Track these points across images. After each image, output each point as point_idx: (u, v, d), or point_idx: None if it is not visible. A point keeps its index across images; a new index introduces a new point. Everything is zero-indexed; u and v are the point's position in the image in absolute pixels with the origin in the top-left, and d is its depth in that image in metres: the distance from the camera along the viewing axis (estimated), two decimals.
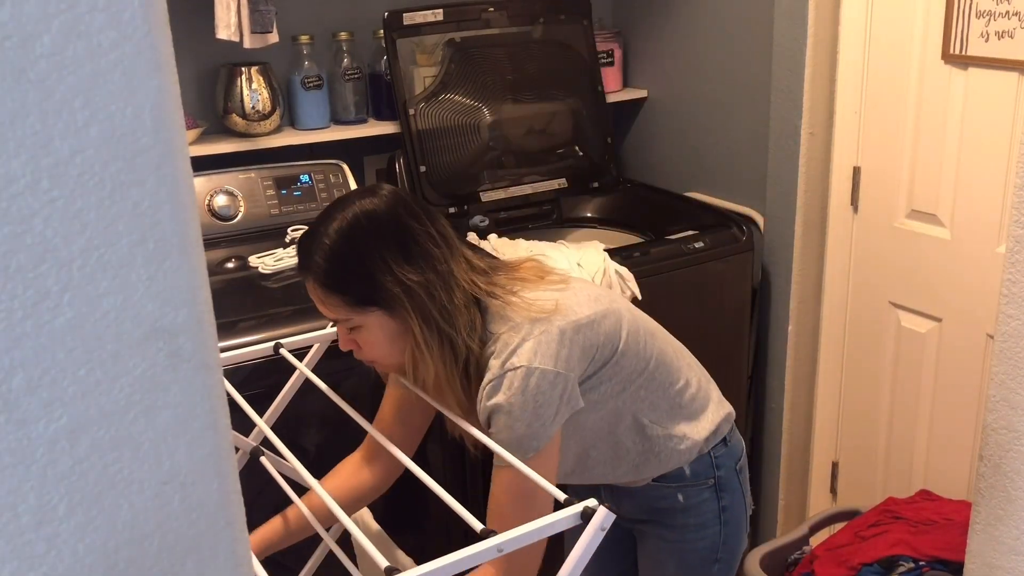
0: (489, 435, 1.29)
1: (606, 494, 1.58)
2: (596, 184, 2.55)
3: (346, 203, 1.29)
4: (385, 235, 1.27)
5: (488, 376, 1.29)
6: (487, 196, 2.42)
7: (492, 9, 2.38)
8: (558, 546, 1.23)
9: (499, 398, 1.27)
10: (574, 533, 1.07)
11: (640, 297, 2.02)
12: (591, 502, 1.08)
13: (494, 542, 1.02)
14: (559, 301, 1.33)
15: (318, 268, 1.27)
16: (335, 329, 1.65)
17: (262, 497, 1.64)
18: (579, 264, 2.08)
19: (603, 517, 1.05)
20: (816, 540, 2.20)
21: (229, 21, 2.03)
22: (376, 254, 1.26)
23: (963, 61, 1.95)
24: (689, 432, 1.46)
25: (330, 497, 1.16)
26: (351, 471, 1.56)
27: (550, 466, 1.31)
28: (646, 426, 1.43)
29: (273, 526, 1.52)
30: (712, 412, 1.50)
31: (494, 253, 2.18)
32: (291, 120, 2.35)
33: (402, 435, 1.49)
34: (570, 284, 1.40)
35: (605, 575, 1.67)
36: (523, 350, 1.28)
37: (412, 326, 1.28)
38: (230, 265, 2.10)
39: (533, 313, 1.31)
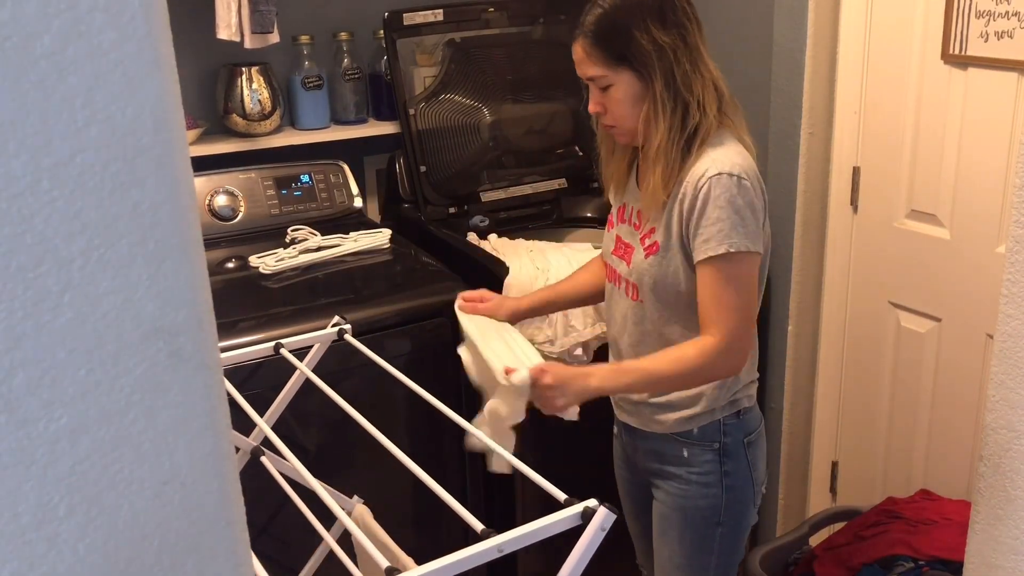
0: (696, 227, 1.45)
1: (626, 435, 1.71)
2: (596, 184, 2.55)
3: None
4: (649, 2, 1.46)
5: (709, 162, 1.45)
6: (487, 196, 2.41)
7: (492, 9, 2.38)
8: (559, 544, 1.23)
9: (720, 180, 1.42)
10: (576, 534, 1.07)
11: None
12: (591, 502, 1.08)
13: (494, 542, 1.02)
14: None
15: (588, 25, 1.48)
16: (335, 329, 1.65)
17: (262, 497, 1.65)
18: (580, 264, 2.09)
19: (603, 517, 1.05)
20: (816, 540, 2.20)
21: (230, 21, 2.03)
22: (638, 16, 1.45)
23: (963, 61, 1.95)
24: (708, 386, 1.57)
25: (328, 496, 1.16)
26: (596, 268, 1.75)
27: (752, 281, 1.46)
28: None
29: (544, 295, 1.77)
30: (742, 375, 1.59)
31: (494, 253, 2.18)
32: (291, 120, 2.35)
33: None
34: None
35: (635, 522, 1.82)
36: (739, 165, 1.44)
37: (655, 84, 1.45)
38: (230, 265, 2.10)
39: (746, 155, 1.48)
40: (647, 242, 1.53)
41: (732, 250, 1.42)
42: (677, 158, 1.46)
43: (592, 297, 1.77)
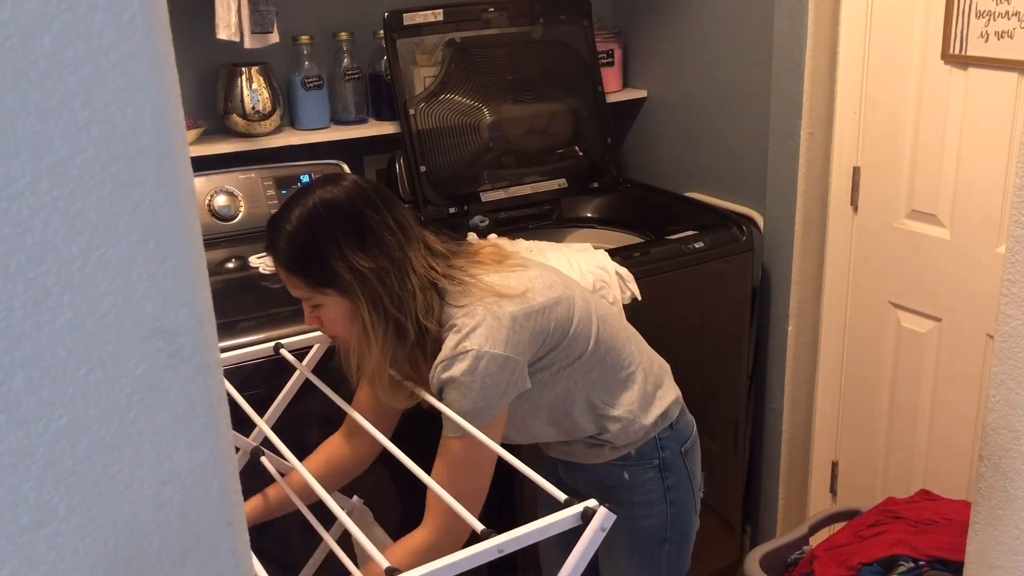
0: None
1: (563, 469, 1.65)
2: (596, 184, 2.55)
3: (309, 191, 1.38)
4: (342, 223, 1.35)
5: (441, 355, 1.36)
6: (487, 196, 2.41)
7: (492, 9, 2.38)
8: (559, 546, 1.23)
9: (450, 373, 1.34)
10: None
11: (640, 298, 2.02)
12: (591, 502, 1.08)
13: (494, 542, 1.02)
14: (513, 287, 1.40)
15: (280, 251, 1.38)
16: None
17: None
18: (580, 265, 2.08)
19: (603, 517, 1.05)
20: (816, 540, 2.20)
21: (229, 21, 2.03)
22: (332, 240, 1.35)
23: (963, 61, 1.95)
24: (639, 414, 1.53)
25: (328, 496, 1.16)
26: (334, 448, 1.61)
27: (491, 452, 1.36)
28: (597, 407, 1.51)
29: (253, 504, 1.56)
30: (661, 397, 1.57)
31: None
32: (291, 120, 2.35)
33: (378, 415, 1.54)
34: (528, 269, 1.46)
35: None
36: (476, 334, 1.34)
37: (361, 309, 1.36)
38: (230, 265, 2.10)
39: (488, 298, 1.38)
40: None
41: (461, 435, 1.35)
42: (422, 358, 1.40)
43: (339, 479, 1.60)
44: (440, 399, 1.37)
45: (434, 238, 1.45)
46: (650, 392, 1.56)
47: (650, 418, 1.55)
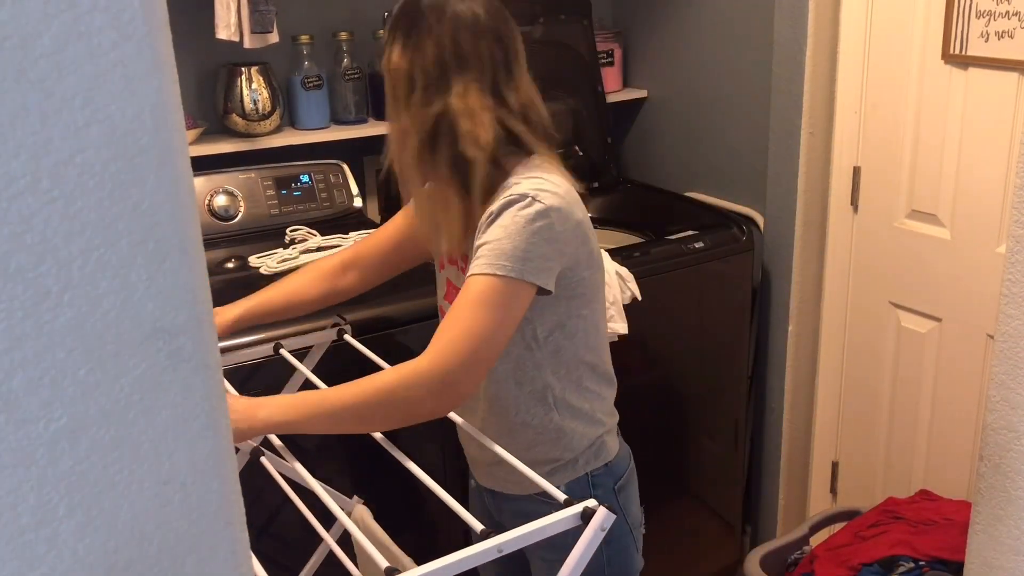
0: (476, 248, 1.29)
1: (489, 499, 1.55)
2: (596, 184, 2.55)
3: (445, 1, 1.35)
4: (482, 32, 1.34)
5: (508, 192, 1.29)
6: None
7: None
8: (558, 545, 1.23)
9: (509, 210, 1.27)
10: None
11: (640, 298, 2.02)
12: (591, 502, 1.08)
13: (494, 542, 1.02)
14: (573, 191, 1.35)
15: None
16: (335, 330, 1.65)
17: (262, 497, 1.65)
18: None
19: (603, 517, 1.05)
20: (816, 540, 2.20)
21: (229, 21, 2.03)
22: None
23: (963, 61, 1.95)
24: (580, 426, 1.42)
25: (328, 496, 1.16)
26: (328, 270, 1.58)
27: (511, 314, 1.26)
28: (546, 396, 1.40)
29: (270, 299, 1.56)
30: (604, 415, 1.47)
31: None
32: (291, 120, 2.35)
33: (380, 262, 1.55)
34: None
35: None
36: (545, 193, 1.28)
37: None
38: (230, 265, 2.10)
39: (557, 181, 1.32)
40: None
41: (499, 274, 1.24)
42: (493, 186, 1.36)
43: (305, 307, 1.58)
44: (481, 233, 1.29)
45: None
46: (598, 401, 1.45)
47: (588, 436, 1.44)
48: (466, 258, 1.38)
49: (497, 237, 1.25)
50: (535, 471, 1.30)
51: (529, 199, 1.27)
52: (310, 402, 1.24)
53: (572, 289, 1.36)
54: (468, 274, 1.27)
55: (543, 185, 1.29)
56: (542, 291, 1.30)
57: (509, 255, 1.24)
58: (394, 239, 1.59)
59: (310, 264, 1.63)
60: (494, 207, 1.29)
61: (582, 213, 1.35)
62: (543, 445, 1.43)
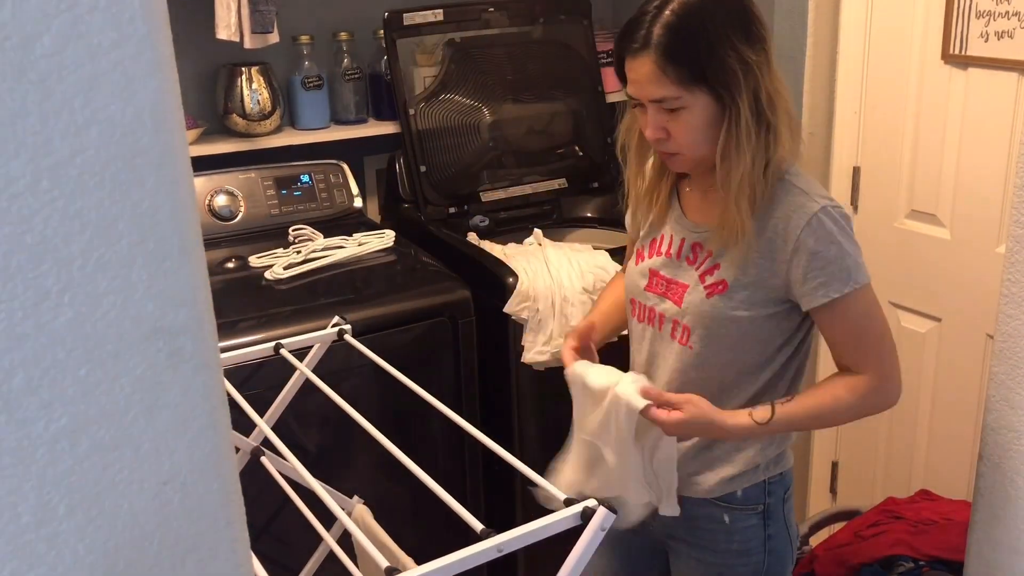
0: (807, 269, 1.30)
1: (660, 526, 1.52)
2: (596, 184, 2.55)
3: None
4: (729, 12, 1.29)
5: (800, 202, 1.31)
6: (487, 196, 2.41)
7: (492, 9, 2.38)
8: (559, 546, 1.23)
9: (822, 227, 1.29)
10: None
11: None
12: (591, 502, 1.08)
13: (493, 542, 1.02)
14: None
15: (657, 41, 1.27)
16: (335, 329, 1.65)
17: (262, 497, 1.65)
18: (580, 265, 2.08)
19: (603, 517, 1.05)
20: (816, 540, 2.20)
21: (229, 21, 2.03)
22: (721, 29, 1.27)
23: (963, 61, 1.95)
24: (779, 435, 1.45)
25: (328, 496, 1.16)
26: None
27: (880, 311, 1.35)
28: (765, 400, 1.40)
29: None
30: (785, 439, 1.49)
31: (504, 259, 2.17)
32: (291, 120, 2.35)
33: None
34: None
35: None
36: (832, 202, 1.32)
37: (741, 106, 1.28)
38: (230, 265, 2.10)
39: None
40: (709, 279, 1.36)
41: (858, 286, 1.30)
42: (763, 188, 1.31)
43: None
44: (795, 255, 1.30)
45: None
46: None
47: (771, 451, 1.45)
48: (698, 249, 1.39)
49: (836, 256, 1.30)
50: (727, 472, 1.42)
51: (832, 208, 1.32)
52: (779, 421, 1.36)
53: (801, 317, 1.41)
54: (826, 298, 1.31)
55: (818, 188, 1.36)
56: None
57: (855, 267, 1.32)
58: None
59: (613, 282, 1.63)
60: (799, 219, 1.31)
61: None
62: (751, 448, 1.44)
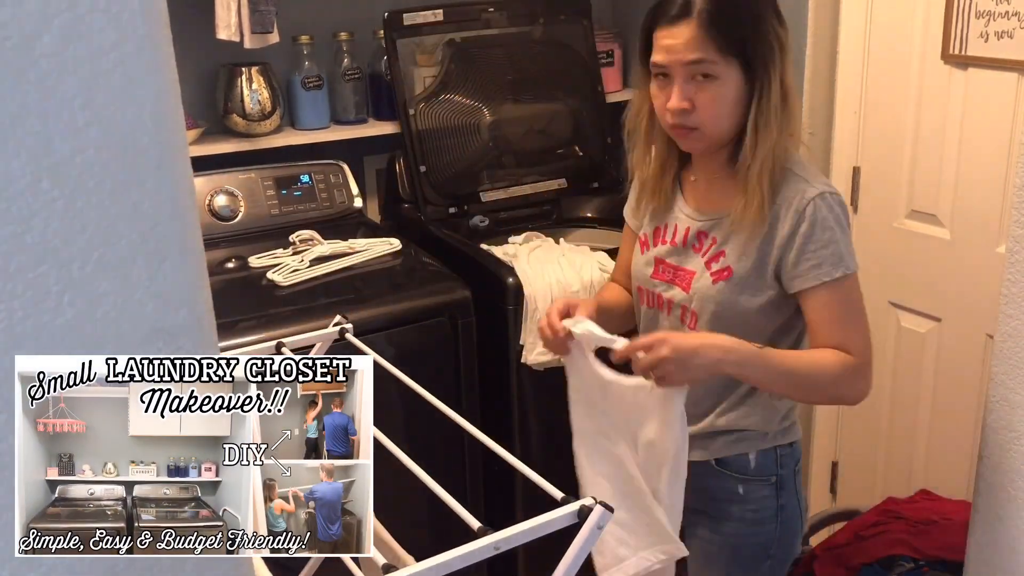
0: (801, 252, 1.33)
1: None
2: (596, 184, 2.55)
3: None
4: None
5: (801, 187, 1.34)
6: (487, 196, 2.42)
7: (492, 9, 2.38)
8: (557, 544, 1.23)
9: (819, 204, 1.32)
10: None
11: None
12: (588, 500, 1.07)
13: (490, 540, 1.02)
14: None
15: (705, 7, 1.30)
16: (336, 329, 1.65)
17: None
18: (580, 265, 2.08)
19: (599, 515, 1.05)
20: (816, 540, 2.20)
21: (229, 21, 2.03)
22: (762, 5, 1.34)
23: (963, 61, 1.95)
24: (783, 404, 1.47)
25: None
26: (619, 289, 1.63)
27: (863, 304, 1.36)
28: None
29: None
30: (793, 410, 1.52)
31: (508, 260, 2.17)
32: (291, 120, 2.35)
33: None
34: None
35: None
36: (831, 189, 1.36)
37: (773, 81, 1.33)
38: (230, 265, 2.10)
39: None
40: (715, 266, 1.40)
41: (848, 272, 1.33)
42: (780, 174, 1.34)
43: (624, 319, 1.60)
44: (792, 239, 1.33)
45: None
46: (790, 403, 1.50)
47: (784, 421, 1.48)
48: (704, 236, 1.42)
49: (829, 240, 1.33)
50: (737, 436, 1.45)
51: (831, 194, 1.36)
52: (769, 364, 1.32)
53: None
54: (817, 281, 1.33)
55: (819, 174, 1.40)
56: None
57: (846, 254, 1.34)
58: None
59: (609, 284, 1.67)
60: (801, 203, 1.34)
61: None
62: (757, 416, 1.46)
